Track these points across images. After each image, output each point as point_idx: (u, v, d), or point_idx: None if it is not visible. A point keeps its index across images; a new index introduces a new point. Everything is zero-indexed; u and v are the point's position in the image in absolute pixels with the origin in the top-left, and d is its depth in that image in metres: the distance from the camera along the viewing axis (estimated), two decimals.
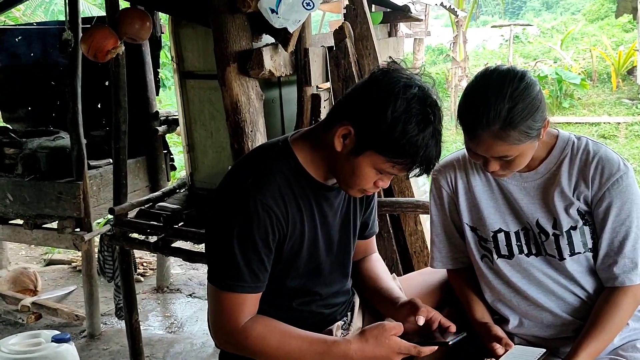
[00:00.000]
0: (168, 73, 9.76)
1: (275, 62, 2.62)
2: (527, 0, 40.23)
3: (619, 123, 10.21)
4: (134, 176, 4.53)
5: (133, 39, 2.85)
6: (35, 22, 6.91)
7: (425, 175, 1.76)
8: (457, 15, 5.97)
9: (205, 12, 2.60)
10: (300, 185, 1.74)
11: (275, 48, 2.64)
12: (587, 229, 1.84)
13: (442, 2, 5.12)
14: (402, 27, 13.20)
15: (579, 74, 12.92)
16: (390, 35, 4.46)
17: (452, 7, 5.73)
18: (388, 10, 4.37)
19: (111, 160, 4.31)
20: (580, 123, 10.64)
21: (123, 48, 2.85)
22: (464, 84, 12.71)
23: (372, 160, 1.63)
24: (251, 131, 2.57)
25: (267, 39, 2.72)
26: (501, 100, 1.64)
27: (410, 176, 1.71)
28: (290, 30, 2.51)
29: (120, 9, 2.97)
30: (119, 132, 3.30)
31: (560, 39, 16.93)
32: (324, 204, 1.81)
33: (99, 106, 4.90)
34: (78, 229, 3.99)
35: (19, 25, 7.16)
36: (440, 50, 20.30)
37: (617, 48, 14.23)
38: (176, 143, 6.95)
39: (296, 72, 2.84)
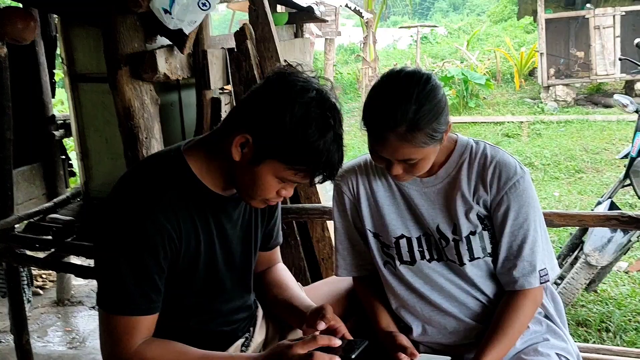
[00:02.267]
0: None
1: (171, 65, 2.50)
2: (435, 1, 41.40)
3: (522, 122, 10.58)
4: (29, 184, 4.29)
5: (16, 40, 2.65)
6: None
7: (330, 181, 1.69)
8: (362, 17, 5.99)
9: (95, 12, 2.44)
10: (195, 198, 1.63)
11: (171, 50, 2.52)
12: (486, 234, 1.84)
13: (347, 4, 5.09)
14: (313, 28, 13.29)
15: (484, 74, 13.35)
16: (296, 36, 4.41)
17: (357, 9, 5.73)
18: (294, 11, 4.32)
19: None
20: (485, 122, 10.95)
21: (5, 50, 2.65)
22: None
23: (273, 168, 1.55)
24: (146, 138, 2.44)
25: (162, 40, 2.58)
26: (407, 102, 1.61)
27: (313, 183, 1.65)
28: (186, 31, 2.39)
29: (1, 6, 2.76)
30: (3, 139, 3.08)
31: (467, 39, 17.47)
32: (221, 217, 1.71)
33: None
34: None
35: None
36: (351, 49, 20.55)
37: (520, 49, 14.82)
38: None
39: (195, 75, 2.72)
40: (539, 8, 12.10)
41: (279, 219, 2.02)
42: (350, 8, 5.36)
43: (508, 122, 10.72)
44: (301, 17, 4.35)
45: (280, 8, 4.41)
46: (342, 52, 20.33)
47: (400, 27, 18.28)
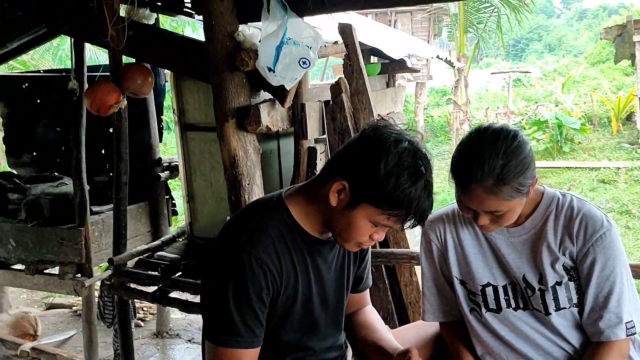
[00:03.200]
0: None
1: (273, 117, 2.69)
2: (529, 43, 40.75)
3: (619, 168, 10.26)
4: (135, 221, 4.58)
5: (135, 93, 2.93)
6: (42, 69, 7.09)
7: (419, 227, 1.79)
8: (454, 67, 6.07)
9: (205, 69, 2.67)
10: (294, 239, 1.77)
11: (273, 104, 2.72)
12: (572, 284, 1.88)
13: (438, 55, 5.18)
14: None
15: (580, 118, 13.05)
16: (388, 85, 4.57)
17: (449, 59, 5.79)
18: (386, 61, 4.48)
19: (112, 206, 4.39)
20: (580, 168, 10.69)
21: (125, 102, 2.93)
22: (466, 127, 12.85)
23: (367, 213, 1.67)
24: (248, 184, 2.63)
25: (265, 94, 2.80)
26: (495, 157, 1.71)
27: (404, 228, 1.76)
28: (287, 87, 2.58)
29: (123, 63, 3.06)
30: (119, 183, 3.37)
31: (562, 82, 17.11)
32: (317, 258, 1.84)
33: (102, 152, 4.99)
34: (79, 275, 4.03)
35: (26, 71, 7.33)
36: (443, 92, 20.50)
37: (617, 92, 14.38)
38: (178, 186, 7.01)
39: (293, 126, 2.91)
40: (637, 52, 11.80)
41: (369, 263, 2.12)
42: (441, 59, 5.41)
43: (604, 167, 10.41)
44: (393, 67, 4.51)
45: (373, 58, 4.58)
46: (433, 94, 20.31)
47: (493, 74, 18.09)
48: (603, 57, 20.06)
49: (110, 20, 2.72)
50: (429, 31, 14.70)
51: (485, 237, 1.98)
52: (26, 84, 5.51)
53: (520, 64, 30.69)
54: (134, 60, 3.34)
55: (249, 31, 2.63)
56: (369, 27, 4.11)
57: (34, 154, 5.55)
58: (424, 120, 15.29)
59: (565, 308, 1.88)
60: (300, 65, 2.51)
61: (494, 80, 20.70)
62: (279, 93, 2.66)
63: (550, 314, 1.88)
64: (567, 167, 10.76)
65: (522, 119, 13.60)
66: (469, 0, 13.08)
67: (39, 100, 5.39)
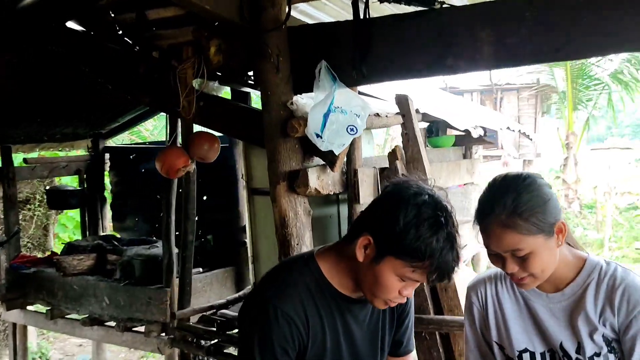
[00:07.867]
0: None
1: (322, 181, 2.81)
2: None
3: None
4: (221, 285, 4.75)
5: (202, 159, 3.15)
6: (148, 142, 7.72)
7: (447, 281, 1.75)
8: (531, 139, 5.88)
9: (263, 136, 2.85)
10: (323, 296, 1.81)
11: (323, 169, 2.85)
12: (612, 356, 1.80)
13: (508, 126, 5.10)
14: (510, 149, 13.17)
15: None
16: (465, 157, 4.59)
17: (523, 131, 5.60)
18: (462, 134, 4.52)
19: (201, 270, 4.62)
20: None
21: (194, 166, 3.14)
22: (575, 207, 12.35)
23: (392, 266, 1.69)
24: (297, 244, 2.73)
25: (319, 160, 2.92)
26: (506, 193, 1.73)
27: (431, 283, 1.76)
28: (336, 152, 2.70)
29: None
30: (186, 241, 3.57)
31: None
32: (347, 316, 1.86)
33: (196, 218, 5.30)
34: (163, 334, 4.22)
35: (135, 144, 8.01)
36: (552, 170, 19.82)
37: None
38: None
39: (347, 190, 3.02)
40: None
41: (409, 329, 2.10)
42: (511, 129, 5.25)
43: None
44: (469, 140, 4.54)
45: (449, 131, 4.64)
46: (543, 173, 19.63)
47: (593, 150, 17.33)
48: None
49: (183, 92, 2.98)
50: (536, 108, 14.45)
51: (526, 302, 1.94)
52: (133, 155, 6.03)
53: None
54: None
55: (303, 100, 2.79)
56: (439, 99, 4.19)
57: (136, 219, 5.99)
58: None
59: None
60: (347, 131, 2.62)
61: (617, 159, 19.71)
62: (329, 158, 2.78)
63: None
64: None
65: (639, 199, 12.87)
66: (577, 78, 12.81)
67: (143, 170, 5.85)
